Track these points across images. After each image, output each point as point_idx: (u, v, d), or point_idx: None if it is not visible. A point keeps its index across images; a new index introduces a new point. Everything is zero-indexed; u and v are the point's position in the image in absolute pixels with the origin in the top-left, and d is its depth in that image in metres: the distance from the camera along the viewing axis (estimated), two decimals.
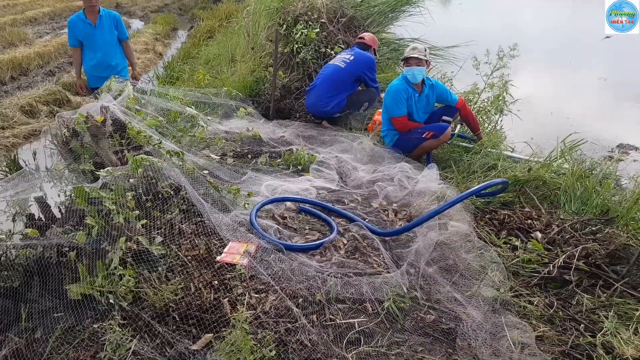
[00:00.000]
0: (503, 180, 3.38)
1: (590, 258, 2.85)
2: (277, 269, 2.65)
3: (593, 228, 3.20)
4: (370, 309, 2.53)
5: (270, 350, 2.12)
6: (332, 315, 2.46)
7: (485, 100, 5.66)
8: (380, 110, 5.04)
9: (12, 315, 2.38)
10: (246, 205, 3.32)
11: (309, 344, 2.21)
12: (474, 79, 5.85)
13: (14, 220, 2.73)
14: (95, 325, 2.23)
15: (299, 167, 4.30)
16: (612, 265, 2.85)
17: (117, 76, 4.59)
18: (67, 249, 2.47)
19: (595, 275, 2.79)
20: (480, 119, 5.43)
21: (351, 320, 2.44)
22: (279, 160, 4.45)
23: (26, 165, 4.37)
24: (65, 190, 3.09)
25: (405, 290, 2.65)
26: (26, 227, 2.75)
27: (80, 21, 5.24)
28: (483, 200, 3.80)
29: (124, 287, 2.33)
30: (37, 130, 7.16)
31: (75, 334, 2.25)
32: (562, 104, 8.46)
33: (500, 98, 5.34)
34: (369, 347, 2.29)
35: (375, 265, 2.89)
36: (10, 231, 2.64)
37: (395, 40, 7.95)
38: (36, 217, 2.88)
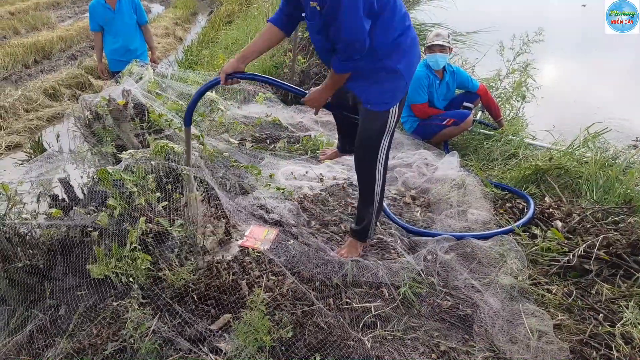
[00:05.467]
0: (533, 213, 3.32)
1: (611, 247, 2.81)
2: (295, 253, 2.67)
3: (615, 217, 3.14)
4: (387, 294, 2.54)
5: (288, 332, 2.14)
6: (349, 299, 2.48)
7: (507, 85, 5.58)
8: None
9: (37, 293, 2.45)
10: (269, 188, 3.35)
11: (326, 327, 2.23)
12: (497, 65, 5.76)
13: (38, 200, 2.78)
14: (115, 304, 2.28)
15: (317, 153, 4.30)
16: (634, 255, 2.80)
17: (138, 60, 4.62)
18: (90, 229, 2.52)
19: (616, 265, 2.75)
20: (502, 106, 5.35)
21: (367, 304, 2.45)
22: (297, 145, 4.46)
23: (50, 147, 4.44)
24: (88, 172, 3.14)
25: (423, 276, 2.65)
26: (50, 208, 2.81)
27: (100, 6, 5.29)
28: (503, 189, 3.76)
29: (139, 269, 2.38)
30: (60, 113, 7.30)
31: (97, 311, 2.31)
32: (586, 91, 8.28)
33: (522, 83, 5.25)
34: (384, 331, 2.30)
35: (392, 252, 2.90)
36: (35, 211, 2.70)
37: (416, 25, 7.84)
38: (60, 198, 2.94)
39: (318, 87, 2.57)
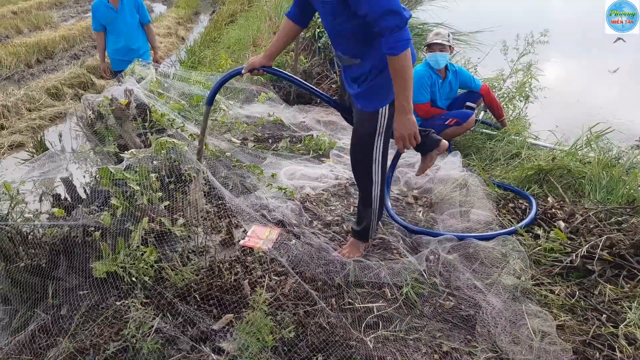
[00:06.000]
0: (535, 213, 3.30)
1: (614, 248, 2.80)
2: (297, 253, 2.67)
3: (618, 218, 3.13)
4: (389, 294, 2.54)
5: (290, 332, 2.14)
6: (351, 300, 2.47)
7: (510, 86, 5.57)
8: None
9: (39, 292, 2.45)
10: (271, 188, 3.34)
11: (328, 327, 2.22)
12: (500, 64, 5.75)
13: (40, 200, 2.78)
14: (118, 303, 2.28)
15: (320, 152, 4.30)
16: (637, 255, 2.79)
17: (140, 60, 4.63)
18: (92, 229, 2.52)
19: (619, 265, 2.74)
20: (505, 106, 5.34)
21: (370, 305, 2.45)
22: (300, 145, 4.46)
23: (52, 146, 4.44)
24: (90, 172, 3.14)
25: (425, 276, 2.64)
26: (53, 207, 2.81)
27: (103, 5, 5.29)
28: (506, 189, 3.76)
29: (145, 263, 2.37)
30: (62, 112, 7.31)
31: (99, 311, 2.31)
32: (587, 91, 8.25)
33: (525, 84, 5.24)
34: (387, 331, 2.30)
35: (394, 252, 2.89)
36: (37, 210, 2.70)
37: (418, 25, 7.84)
38: (62, 197, 2.94)
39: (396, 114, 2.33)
